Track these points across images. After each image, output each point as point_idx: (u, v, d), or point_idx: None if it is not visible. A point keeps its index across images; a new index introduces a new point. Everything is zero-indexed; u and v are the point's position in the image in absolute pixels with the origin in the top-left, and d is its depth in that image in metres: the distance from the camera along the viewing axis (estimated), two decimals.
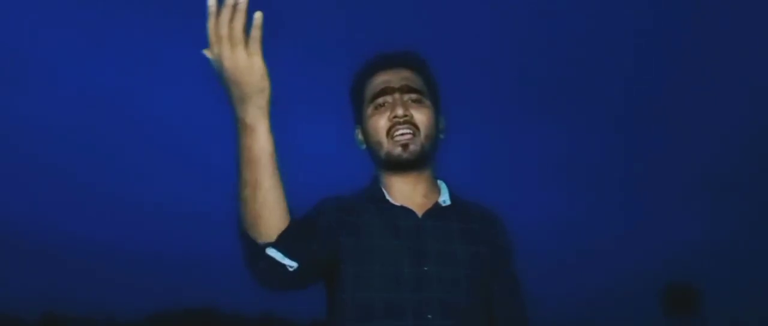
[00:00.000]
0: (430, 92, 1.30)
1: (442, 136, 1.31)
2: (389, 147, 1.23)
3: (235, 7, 0.94)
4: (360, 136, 1.31)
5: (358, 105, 1.31)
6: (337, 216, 1.19)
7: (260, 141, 0.99)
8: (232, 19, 0.94)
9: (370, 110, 1.27)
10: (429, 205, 1.24)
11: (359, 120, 1.31)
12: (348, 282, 1.16)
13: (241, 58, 0.95)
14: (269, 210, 1.01)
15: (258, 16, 0.95)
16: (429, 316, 1.13)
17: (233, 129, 1.00)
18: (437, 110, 1.30)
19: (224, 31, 0.94)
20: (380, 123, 1.24)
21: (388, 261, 1.16)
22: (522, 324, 1.25)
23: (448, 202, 1.27)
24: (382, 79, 1.27)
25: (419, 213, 1.23)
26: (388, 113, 1.24)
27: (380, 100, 1.26)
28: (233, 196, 1.02)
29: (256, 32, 0.95)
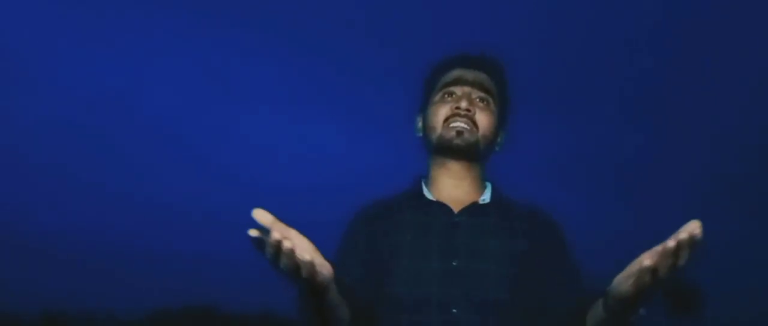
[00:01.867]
0: (501, 102, 1.29)
1: (498, 149, 1.30)
2: (442, 131, 1.23)
3: (280, 249, 0.87)
4: (419, 123, 1.31)
5: (427, 93, 1.32)
6: (369, 236, 1.20)
7: (333, 300, 0.99)
8: (282, 256, 0.88)
9: (437, 97, 1.27)
10: (468, 203, 1.23)
11: (423, 107, 1.31)
12: (379, 278, 1.17)
13: (307, 279, 0.90)
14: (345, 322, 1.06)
15: (303, 256, 0.88)
16: (454, 311, 1.12)
17: (301, 298, 0.99)
18: (501, 122, 1.29)
19: (283, 266, 0.88)
20: (442, 110, 1.24)
21: (417, 258, 1.16)
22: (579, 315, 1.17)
23: (488, 200, 1.25)
24: (458, 72, 1.27)
25: (456, 209, 1.21)
26: (452, 103, 1.24)
27: (449, 90, 1.26)
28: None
29: (308, 267, 0.89)
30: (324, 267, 0.91)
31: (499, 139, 1.30)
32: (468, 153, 1.23)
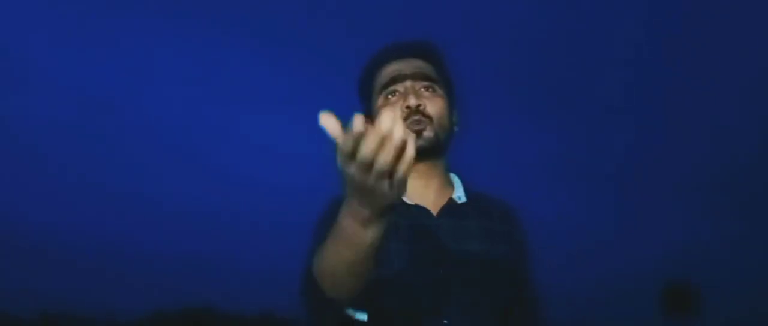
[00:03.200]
0: (444, 82, 1.24)
1: (456, 129, 1.25)
2: None
3: (385, 137, 0.73)
4: None
5: (366, 97, 1.26)
6: None
7: (373, 234, 0.87)
8: (380, 149, 0.73)
9: (380, 101, 1.21)
10: (443, 202, 1.20)
11: (367, 113, 1.23)
12: (367, 288, 1.09)
13: (383, 188, 0.77)
14: (359, 282, 0.95)
15: (411, 150, 0.74)
16: (445, 322, 1.09)
17: (343, 211, 0.87)
18: (451, 102, 1.24)
19: (367, 160, 0.74)
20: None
21: (404, 266, 1.12)
22: (534, 321, 1.18)
23: (464, 198, 1.21)
24: (393, 68, 1.21)
25: (434, 211, 1.18)
26: (400, 103, 1.18)
27: (391, 89, 1.20)
28: (317, 260, 0.97)
29: (406, 169, 0.75)
30: (402, 191, 0.79)
31: (454, 119, 1.24)
32: (432, 152, 1.19)
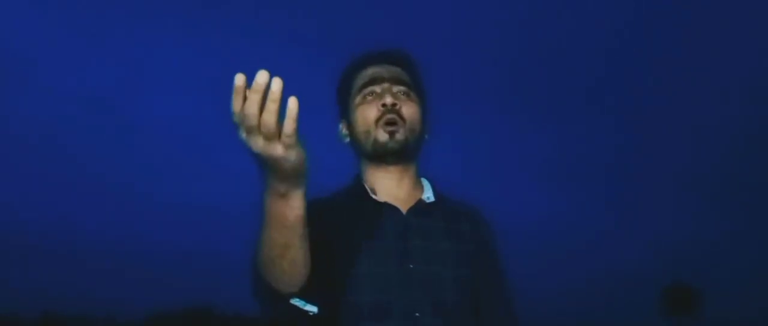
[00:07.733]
0: (418, 92, 1.30)
1: (426, 136, 1.30)
2: (376, 134, 1.22)
3: (265, 93, 0.76)
4: (344, 130, 1.30)
5: (343, 98, 1.30)
6: (326, 227, 1.13)
7: (295, 208, 0.90)
8: (262, 107, 0.77)
9: (358, 100, 1.26)
10: (413, 202, 1.24)
11: (344, 113, 1.30)
12: (337, 283, 1.14)
13: (277, 151, 0.80)
14: (297, 268, 0.96)
15: (293, 105, 0.77)
16: (417, 315, 1.12)
17: (262, 192, 0.90)
18: (424, 109, 1.29)
19: (253, 121, 0.77)
20: (369, 112, 1.23)
21: (374, 262, 1.15)
22: (508, 322, 1.23)
23: (433, 199, 1.27)
24: (372, 71, 1.27)
25: (404, 209, 1.22)
26: (377, 103, 1.23)
27: (369, 90, 1.25)
28: (255, 250, 0.98)
29: (290, 125, 0.78)
30: (298, 152, 0.82)
31: (426, 127, 1.30)
32: (403, 153, 1.23)
